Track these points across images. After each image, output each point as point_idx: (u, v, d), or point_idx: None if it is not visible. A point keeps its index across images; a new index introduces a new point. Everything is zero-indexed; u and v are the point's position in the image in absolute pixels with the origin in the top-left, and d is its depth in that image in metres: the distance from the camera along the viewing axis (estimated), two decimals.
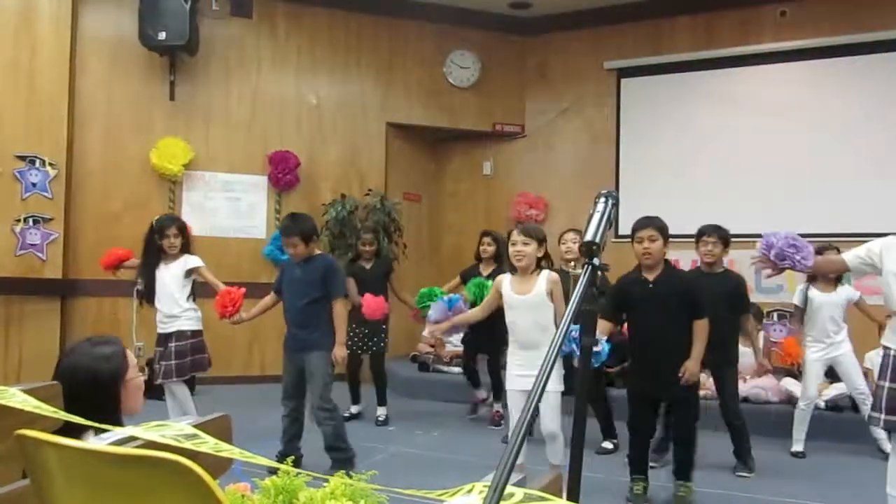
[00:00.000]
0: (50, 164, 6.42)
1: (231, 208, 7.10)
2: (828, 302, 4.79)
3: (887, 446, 4.64)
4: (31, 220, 6.36)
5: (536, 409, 1.01)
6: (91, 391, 1.76)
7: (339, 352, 4.10)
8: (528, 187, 8.15)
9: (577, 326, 3.30)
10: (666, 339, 3.55)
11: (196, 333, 4.42)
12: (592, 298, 1.39)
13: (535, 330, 3.44)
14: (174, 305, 4.37)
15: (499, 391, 5.37)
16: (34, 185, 6.38)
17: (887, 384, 2.87)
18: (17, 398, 1.49)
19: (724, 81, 7.40)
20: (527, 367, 3.41)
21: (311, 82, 7.50)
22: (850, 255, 3.07)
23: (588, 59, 7.88)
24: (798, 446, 4.81)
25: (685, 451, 3.66)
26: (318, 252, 4.26)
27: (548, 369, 1.11)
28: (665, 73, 7.61)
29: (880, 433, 4.71)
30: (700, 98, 7.47)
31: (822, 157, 6.90)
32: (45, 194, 6.42)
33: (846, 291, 4.87)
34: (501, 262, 5.46)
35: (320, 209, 7.09)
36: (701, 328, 3.57)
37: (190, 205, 7.02)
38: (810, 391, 4.81)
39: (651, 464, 4.30)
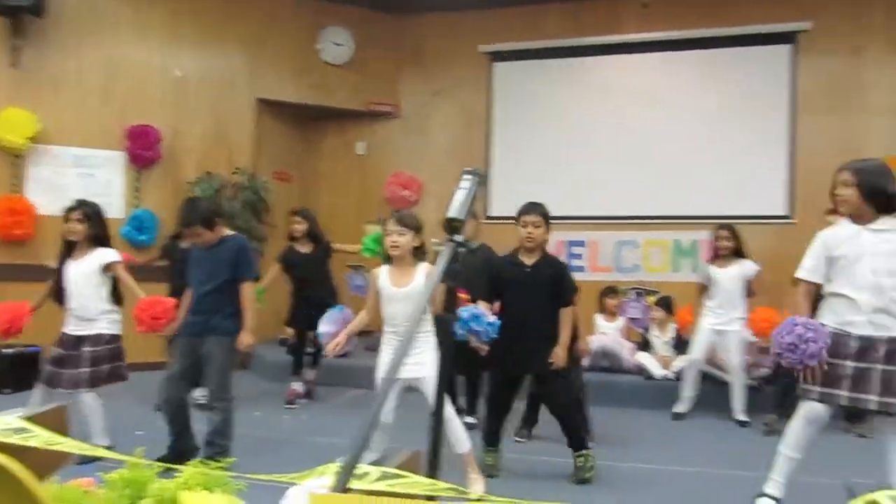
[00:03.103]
0: None
1: (84, 185, 6.58)
2: (725, 277, 5.11)
3: (742, 417, 5.06)
4: None
5: (386, 394, 0.98)
6: None
7: (246, 338, 3.81)
8: (403, 168, 8.14)
9: (467, 309, 3.40)
10: (537, 322, 3.68)
11: (115, 338, 4.02)
12: (455, 275, 1.38)
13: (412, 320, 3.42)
14: (88, 308, 3.95)
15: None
16: None
17: (826, 359, 3.00)
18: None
19: (593, 69, 7.69)
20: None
21: (175, 53, 7.09)
22: (807, 273, 3.12)
23: (463, 42, 7.94)
24: (680, 407, 5.25)
25: (569, 423, 3.79)
26: (228, 233, 3.93)
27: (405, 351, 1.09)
28: (537, 58, 7.81)
29: (737, 404, 5.12)
30: (570, 84, 7.72)
31: (682, 145, 7.33)
32: None
33: (744, 267, 5.14)
34: (318, 239, 5.45)
35: (184, 187, 6.75)
36: (568, 315, 3.74)
37: (37, 182, 6.47)
38: (694, 354, 5.21)
39: (518, 438, 4.44)
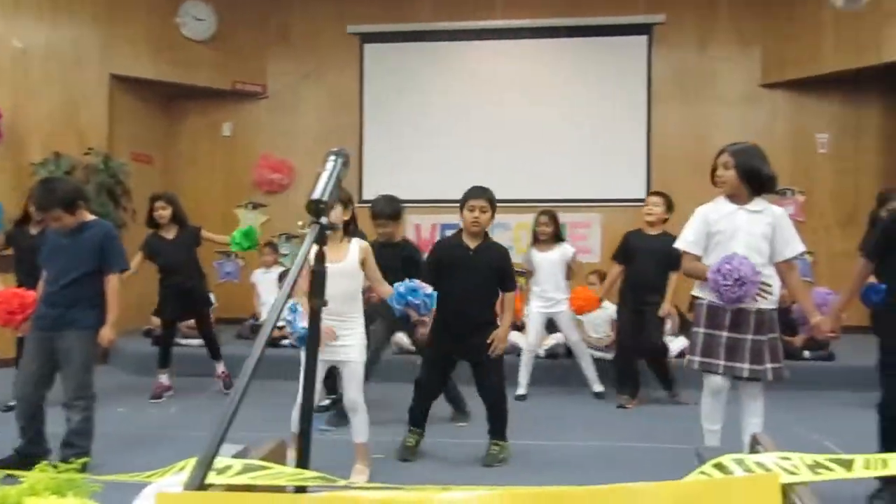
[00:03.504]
0: None
1: None
2: (547, 260, 5.27)
3: (597, 388, 5.33)
4: None
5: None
6: None
7: (108, 333, 3.53)
8: (272, 151, 7.91)
9: (403, 284, 3.33)
10: (477, 306, 3.71)
11: None
12: (321, 259, 1.36)
13: (343, 299, 3.29)
14: None
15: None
16: None
17: (703, 330, 3.20)
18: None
19: (462, 54, 7.77)
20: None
21: (13, 23, 6.48)
22: (689, 245, 3.27)
23: (331, 23, 7.79)
24: (521, 390, 5.29)
25: (497, 412, 3.82)
26: (90, 218, 3.60)
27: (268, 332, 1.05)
28: (407, 41, 7.79)
29: (590, 376, 5.38)
30: (440, 68, 7.77)
31: (550, 130, 7.57)
32: None
33: (562, 250, 5.33)
34: (184, 225, 5.26)
35: (28, 170, 6.22)
36: (510, 300, 3.79)
37: None
38: (531, 340, 5.33)
39: (325, 427, 4.35)
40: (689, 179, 5.91)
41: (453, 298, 3.63)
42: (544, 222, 5.28)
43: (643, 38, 7.55)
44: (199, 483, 0.80)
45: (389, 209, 4.41)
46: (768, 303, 3.16)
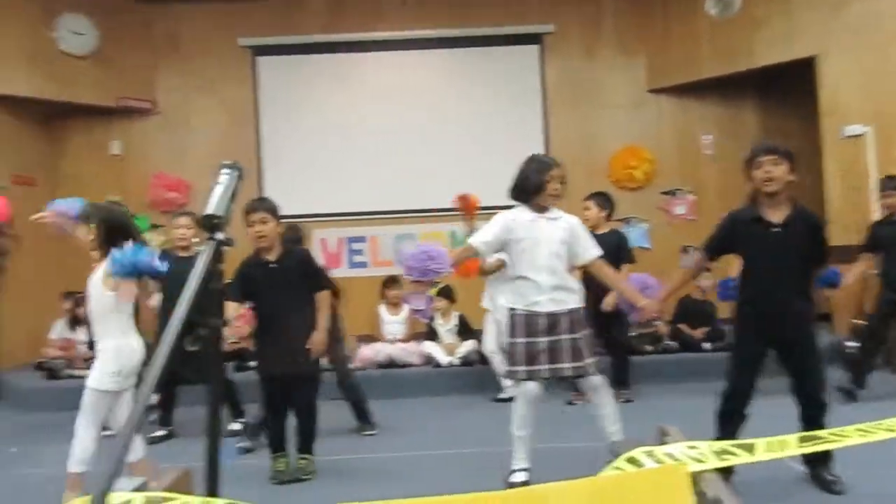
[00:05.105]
0: None
1: None
2: None
3: (510, 393, 5.37)
4: None
5: (146, 409, 0.89)
6: None
7: None
8: (166, 168, 7.61)
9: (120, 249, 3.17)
10: (290, 317, 3.63)
11: None
12: (218, 276, 1.30)
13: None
14: None
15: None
16: None
17: (524, 340, 3.26)
18: None
19: (354, 65, 7.71)
20: None
21: None
22: (478, 242, 3.41)
23: (221, 35, 7.58)
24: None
25: (309, 425, 3.78)
26: None
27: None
28: (300, 53, 7.69)
29: (507, 383, 5.40)
30: (333, 80, 7.69)
31: (447, 139, 7.62)
32: None
33: None
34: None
35: None
36: (324, 299, 3.74)
37: None
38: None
39: (244, 445, 4.27)
40: (584, 182, 6.12)
41: (265, 315, 3.63)
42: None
43: (535, 48, 7.75)
44: None
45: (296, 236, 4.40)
46: (575, 302, 3.33)
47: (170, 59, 7.64)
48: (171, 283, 4.19)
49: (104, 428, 3.27)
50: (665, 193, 7.76)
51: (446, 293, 6.31)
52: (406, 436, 4.55)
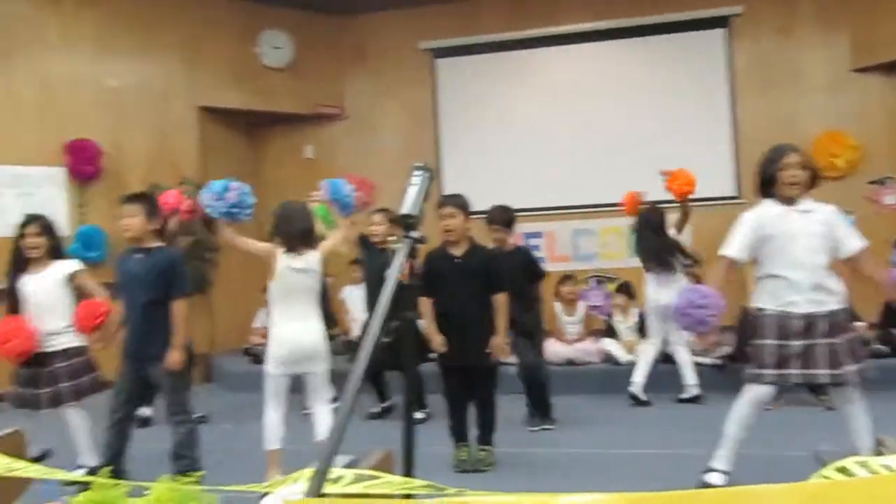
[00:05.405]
0: None
1: (24, 205, 6.33)
2: None
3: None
4: None
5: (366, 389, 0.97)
6: None
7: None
8: (352, 170, 8.07)
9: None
10: (472, 312, 3.72)
11: (83, 349, 3.91)
12: (412, 273, 1.38)
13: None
14: (52, 322, 3.83)
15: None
16: None
17: (775, 342, 3.07)
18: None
19: (533, 61, 7.73)
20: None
21: (107, 62, 6.88)
22: (734, 252, 3.22)
23: (403, 40, 7.91)
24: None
25: (488, 417, 3.84)
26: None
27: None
28: (478, 53, 7.82)
29: (690, 381, 5.22)
30: (512, 77, 7.75)
31: (629, 132, 7.38)
32: None
33: None
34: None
35: None
36: (502, 302, 3.77)
37: None
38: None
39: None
40: None
41: (447, 309, 3.70)
42: None
43: (721, 31, 7.33)
44: (317, 492, 0.83)
45: (506, 217, 4.62)
46: (836, 304, 3.06)
47: (356, 66, 8.10)
48: (370, 276, 4.91)
49: (302, 408, 3.58)
50: (873, 183, 7.04)
51: (626, 290, 6.17)
52: (586, 433, 4.51)
